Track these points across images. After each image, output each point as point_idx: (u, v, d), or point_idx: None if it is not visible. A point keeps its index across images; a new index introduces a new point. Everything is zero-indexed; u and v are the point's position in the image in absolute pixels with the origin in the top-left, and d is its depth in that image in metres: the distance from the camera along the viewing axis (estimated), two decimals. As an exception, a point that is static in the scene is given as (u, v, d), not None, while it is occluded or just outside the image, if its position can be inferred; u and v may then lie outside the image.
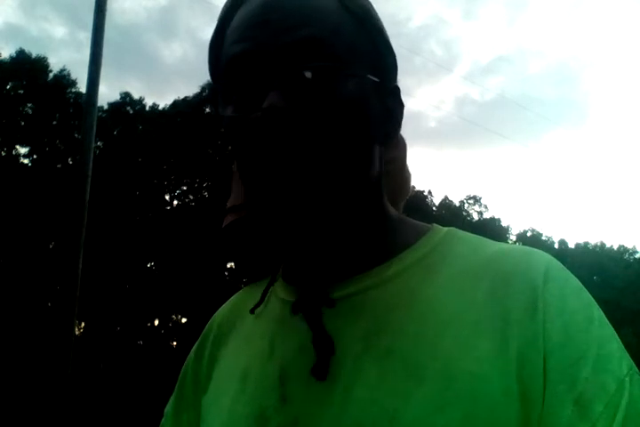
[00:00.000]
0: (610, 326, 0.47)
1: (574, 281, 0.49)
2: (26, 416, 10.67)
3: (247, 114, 0.47)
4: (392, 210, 0.58)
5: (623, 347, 0.46)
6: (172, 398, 0.67)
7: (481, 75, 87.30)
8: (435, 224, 0.58)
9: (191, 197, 23.08)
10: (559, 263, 0.50)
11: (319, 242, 0.53)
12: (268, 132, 0.46)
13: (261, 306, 0.60)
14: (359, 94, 0.49)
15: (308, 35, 0.47)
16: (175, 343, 20.45)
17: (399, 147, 0.83)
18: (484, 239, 0.56)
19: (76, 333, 11.43)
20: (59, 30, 57.55)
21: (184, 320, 21.48)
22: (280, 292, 0.59)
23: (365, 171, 0.51)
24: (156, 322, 21.64)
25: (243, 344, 0.59)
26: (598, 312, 0.47)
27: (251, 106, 0.47)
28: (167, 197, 23.10)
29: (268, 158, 0.47)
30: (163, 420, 0.67)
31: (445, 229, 0.57)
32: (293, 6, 0.49)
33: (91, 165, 6.54)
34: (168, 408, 0.67)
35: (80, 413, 10.14)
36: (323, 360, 0.49)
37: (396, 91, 0.57)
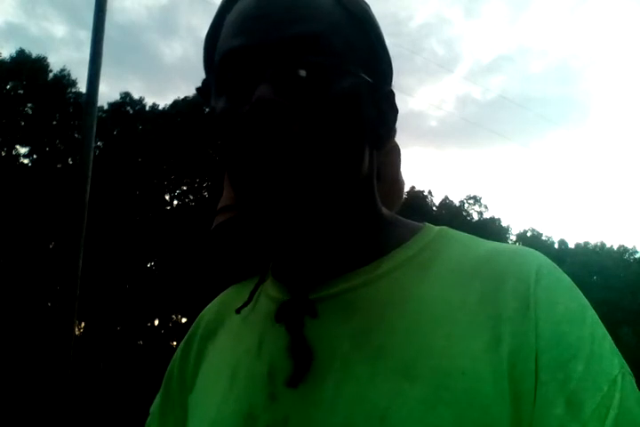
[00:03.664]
0: (602, 325, 0.46)
1: (566, 280, 0.48)
2: (26, 416, 10.66)
3: (237, 107, 0.47)
4: (384, 209, 0.58)
5: (615, 346, 0.45)
6: (157, 397, 0.66)
7: (482, 74, 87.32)
8: (427, 223, 0.58)
9: (191, 197, 23.12)
10: (551, 262, 0.50)
11: (309, 239, 0.52)
12: (256, 126, 0.45)
13: (250, 304, 0.59)
14: (353, 91, 0.48)
15: (305, 30, 0.47)
16: (175, 343, 20.44)
17: (394, 153, 0.83)
18: (477, 238, 0.55)
19: (76, 333, 11.42)
20: (59, 29, 57.75)
21: (184, 320, 21.50)
22: (270, 289, 0.58)
23: (356, 168, 0.50)
24: (156, 322, 21.68)
25: (231, 342, 0.59)
26: (590, 311, 0.46)
27: (242, 99, 0.47)
28: (167, 197, 23.15)
29: (255, 153, 0.46)
30: (149, 419, 0.66)
31: (437, 227, 0.57)
32: (291, 2, 0.49)
33: (91, 165, 6.53)
34: (154, 407, 0.66)
35: (80, 413, 10.13)
36: (299, 370, 0.49)
37: (391, 95, 0.56)
